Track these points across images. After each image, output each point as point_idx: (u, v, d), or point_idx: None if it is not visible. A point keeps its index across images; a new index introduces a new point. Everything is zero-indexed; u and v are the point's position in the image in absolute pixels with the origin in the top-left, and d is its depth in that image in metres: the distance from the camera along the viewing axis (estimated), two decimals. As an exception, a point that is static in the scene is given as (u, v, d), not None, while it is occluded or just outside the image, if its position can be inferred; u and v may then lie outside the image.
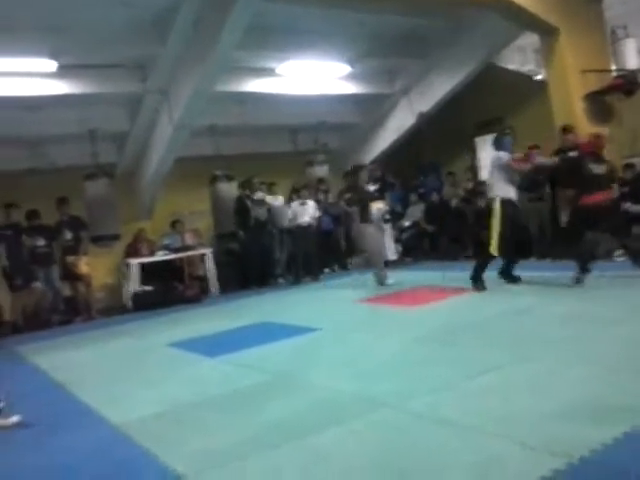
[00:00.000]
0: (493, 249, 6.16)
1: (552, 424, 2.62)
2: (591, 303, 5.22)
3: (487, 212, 6.42)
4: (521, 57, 10.66)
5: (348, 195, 9.61)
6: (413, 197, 11.20)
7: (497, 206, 6.21)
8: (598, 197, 6.01)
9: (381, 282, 7.83)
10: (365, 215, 8.01)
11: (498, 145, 6.52)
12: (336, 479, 2.40)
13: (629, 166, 8.05)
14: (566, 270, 6.14)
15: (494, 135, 6.79)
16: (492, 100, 10.61)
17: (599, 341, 3.92)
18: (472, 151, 11.65)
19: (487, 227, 6.31)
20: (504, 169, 6.29)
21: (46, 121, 8.99)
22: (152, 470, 2.75)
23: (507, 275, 6.52)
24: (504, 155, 6.34)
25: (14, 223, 8.57)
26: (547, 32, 8.54)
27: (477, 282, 6.38)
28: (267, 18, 7.92)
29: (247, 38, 7.64)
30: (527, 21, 8.41)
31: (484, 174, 11.17)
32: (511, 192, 6.32)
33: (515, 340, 4.25)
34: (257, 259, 9.81)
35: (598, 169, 6.21)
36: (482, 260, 6.42)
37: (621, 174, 8.18)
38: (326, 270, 10.45)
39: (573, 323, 4.52)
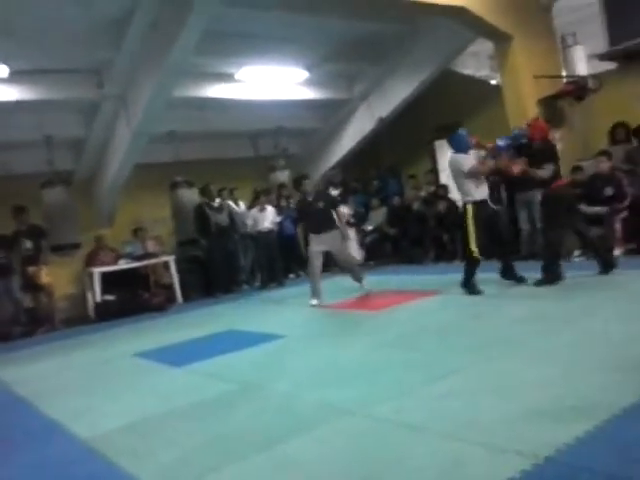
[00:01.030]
0: (474, 253, 6.10)
1: (516, 425, 2.69)
2: (553, 303, 5.38)
3: (459, 217, 6.42)
4: (476, 62, 10.91)
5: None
6: (375, 201, 11.34)
7: (469, 210, 6.12)
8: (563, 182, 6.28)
9: (359, 280, 7.47)
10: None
11: (454, 145, 6.40)
12: (306, 486, 2.44)
13: (578, 168, 8.30)
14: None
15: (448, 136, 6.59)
16: (450, 104, 10.83)
17: (558, 341, 4.06)
18: (432, 155, 11.85)
19: (463, 231, 6.24)
20: (469, 173, 6.16)
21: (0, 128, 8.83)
22: (120, 484, 2.76)
23: (510, 276, 6.39)
24: (464, 159, 6.21)
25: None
26: (501, 39, 8.78)
27: (469, 287, 6.24)
28: (224, 23, 7.93)
29: (205, 43, 7.64)
30: (481, 28, 8.63)
31: (444, 177, 11.44)
32: (479, 193, 6.20)
33: (476, 342, 4.36)
34: (221, 266, 9.80)
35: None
36: (468, 265, 6.30)
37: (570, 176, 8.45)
38: (291, 275, 10.49)
39: (533, 324, 4.67)
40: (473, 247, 6.09)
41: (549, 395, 3.03)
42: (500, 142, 6.36)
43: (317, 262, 7.29)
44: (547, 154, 6.20)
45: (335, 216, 7.43)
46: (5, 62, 7.55)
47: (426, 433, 2.80)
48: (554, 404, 2.90)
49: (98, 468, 3.01)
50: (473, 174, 6.13)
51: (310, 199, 7.52)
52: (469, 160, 6.26)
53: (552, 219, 6.21)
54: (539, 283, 6.01)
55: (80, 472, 3.01)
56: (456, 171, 6.24)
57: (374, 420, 3.10)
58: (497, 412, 2.89)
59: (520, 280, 6.30)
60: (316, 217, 7.36)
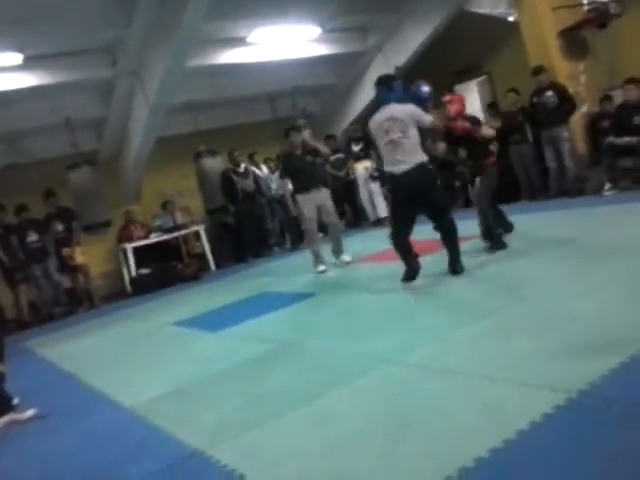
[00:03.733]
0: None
1: (550, 361, 2.71)
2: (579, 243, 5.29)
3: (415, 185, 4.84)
4: (491, 0, 10.54)
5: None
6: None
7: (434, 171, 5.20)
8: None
9: (340, 251, 6.94)
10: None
11: (393, 96, 5.05)
12: (347, 437, 2.48)
13: (607, 98, 8.06)
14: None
15: (382, 80, 5.28)
16: (467, 47, 10.53)
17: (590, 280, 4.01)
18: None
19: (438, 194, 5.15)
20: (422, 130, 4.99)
21: (20, 115, 8.88)
22: (169, 447, 2.84)
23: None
24: (417, 111, 4.95)
25: (4, 223, 8.57)
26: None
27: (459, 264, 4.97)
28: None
29: (214, 9, 7.51)
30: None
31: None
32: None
33: (505, 284, 4.34)
34: (250, 230, 9.86)
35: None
36: (454, 230, 5.06)
37: (599, 108, 8.23)
38: (320, 234, 10.49)
39: (562, 263, 4.60)
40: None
41: (582, 330, 3.02)
42: (425, 87, 5.40)
43: (313, 224, 6.76)
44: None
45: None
46: (19, 50, 7.56)
47: (463, 376, 2.83)
48: (587, 339, 2.89)
49: (144, 433, 3.12)
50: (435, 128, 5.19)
51: (298, 152, 6.78)
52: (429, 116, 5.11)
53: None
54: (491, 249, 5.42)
55: (127, 438, 3.12)
56: (415, 118, 4.89)
57: (411, 367, 3.14)
58: (532, 351, 2.90)
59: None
60: (304, 172, 6.63)
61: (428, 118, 4.95)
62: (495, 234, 5.48)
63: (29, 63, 7.91)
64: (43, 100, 8.94)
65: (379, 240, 7.42)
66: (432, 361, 3.12)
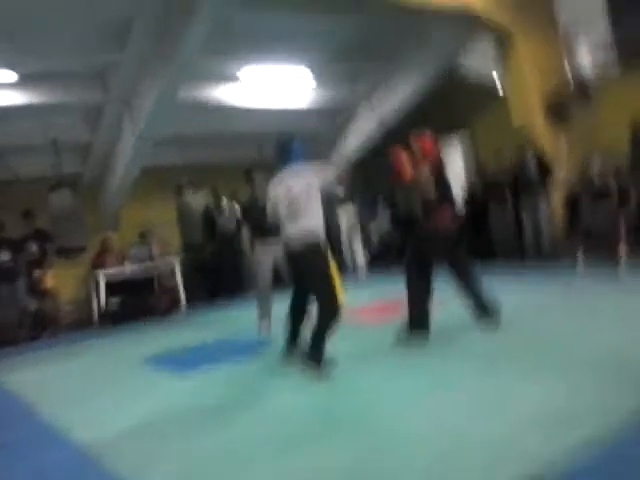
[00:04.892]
0: (341, 301, 4.35)
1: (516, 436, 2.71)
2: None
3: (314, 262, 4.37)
4: (481, 60, 10.83)
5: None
6: (379, 202, 11.28)
7: (328, 255, 4.44)
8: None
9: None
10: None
11: (294, 156, 4.60)
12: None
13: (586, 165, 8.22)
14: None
15: (279, 143, 4.74)
16: (454, 105, 10.78)
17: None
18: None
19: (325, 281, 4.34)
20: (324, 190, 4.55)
21: (6, 132, 8.88)
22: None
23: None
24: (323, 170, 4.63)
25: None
26: (503, 36, 8.74)
27: (319, 363, 4.24)
28: (229, 22, 7.89)
29: (208, 43, 7.62)
30: (482, 25, 8.59)
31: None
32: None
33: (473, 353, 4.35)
34: (227, 270, 9.82)
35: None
36: (326, 321, 4.27)
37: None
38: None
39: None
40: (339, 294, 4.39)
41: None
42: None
43: (267, 274, 5.99)
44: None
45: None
46: (13, 68, 7.59)
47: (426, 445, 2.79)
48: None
49: (98, 477, 3.02)
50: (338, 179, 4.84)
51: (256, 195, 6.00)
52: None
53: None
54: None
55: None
56: (319, 181, 4.47)
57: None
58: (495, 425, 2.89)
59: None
60: (263, 219, 5.12)
61: (330, 173, 4.65)
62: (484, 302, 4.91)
63: (22, 82, 7.98)
64: (31, 119, 8.97)
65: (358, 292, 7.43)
66: (396, 423, 3.10)
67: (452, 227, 4.97)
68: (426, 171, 4.92)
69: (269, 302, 6.09)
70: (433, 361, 4.25)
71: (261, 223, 5.60)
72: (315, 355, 4.23)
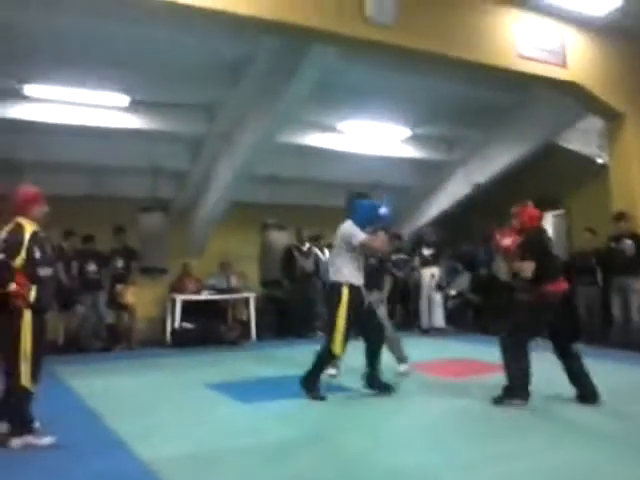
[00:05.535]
0: (337, 347, 5.05)
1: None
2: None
3: (332, 299, 5.12)
4: (583, 138, 10.60)
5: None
6: (459, 266, 11.09)
7: (345, 294, 5.03)
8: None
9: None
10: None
11: (353, 213, 5.30)
12: None
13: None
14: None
15: (352, 196, 5.48)
16: (549, 179, 10.54)
17: None
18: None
19: (332, 318, 5.09)
20: (355, 249, 5.13)
21: (111, 152, 9.38)
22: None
23: (373, 382, 5.26)
24: (357, 230, 5.14)
25: (71, 248, 8.84)
26: (613, 117, 8.52)
27: (312, 389, 5.10)
28: (334, 75, 8.11)
29: (312, 93, 7.83)
30: (592, 105, 8.41)
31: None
32: (360, 279, 5.18)
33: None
34: (300, 309, 9.84)
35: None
36: (321, 360, 5.18)
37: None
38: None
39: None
40: (337, 338, 5.01)
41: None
42: (384, 209, 5.35)
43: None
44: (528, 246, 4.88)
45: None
46: (127, 93, 8.05)
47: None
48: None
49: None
50: (366, 247, 5.15)
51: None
52: (363, 235, 5.15)
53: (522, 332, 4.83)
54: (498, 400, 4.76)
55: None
56: (345, 239, 5.17)
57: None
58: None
59: (386, 389, 5.22)
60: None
61: (359, 237, 5.08)
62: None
63: (133, 106, 8.40)
64: (135, 142, 9.42)
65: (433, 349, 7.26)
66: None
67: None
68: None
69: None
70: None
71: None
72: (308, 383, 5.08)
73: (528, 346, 4.74)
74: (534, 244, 4.86)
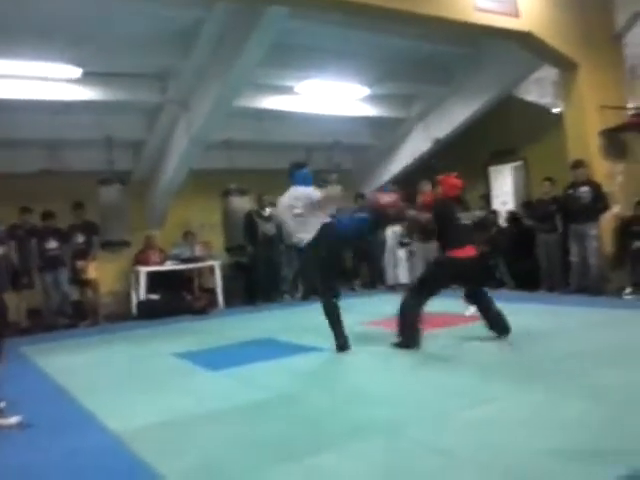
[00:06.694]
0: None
1: (548, 462, 2.61)
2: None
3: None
4: (539, 89, 10.70)
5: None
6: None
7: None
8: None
9: None
10: None
11: (298, 180, 5.74)
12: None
13: (640, 203, 8.05)
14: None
15: (293, 166, 5.90)
16: (507, 130, 10.66)
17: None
18: (486, 179, 11.70)
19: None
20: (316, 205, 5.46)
21: (65, 125, 9.12)
22: (149, 480, 2.75)
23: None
24: (312, 190, 5.56)
25: (28, 226, 8.64)
26: (567, 67, 8.58)
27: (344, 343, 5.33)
28: (288, 36, 8.00)
29: (267, 55, 7.73)
30: (547, 55, 8.46)
31: (497, 203, 11.25)
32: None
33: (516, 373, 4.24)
34: (264, 274, 9.84)
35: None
36: (330, 315, 5.41)
37: (632, 211, 8.21)
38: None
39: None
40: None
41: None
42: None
43: None
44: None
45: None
46: (80, 64, 7.80)
47: (457, 459, 2.72)
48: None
49: (126, 462, 3.02)
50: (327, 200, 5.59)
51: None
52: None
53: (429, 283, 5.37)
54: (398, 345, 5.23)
55: (108, 464, 3.03)
56: (309, 199, 5.47)
57: (408, 440, 3.02)
58: (528, 445, 2.80)
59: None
60: None
61: (317, 193, 5.52)
62: None
63: (86, 78, 8.16)
64: (89, 114, 9.19)
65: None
66: (431, 439, 3.02)
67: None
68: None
69: None
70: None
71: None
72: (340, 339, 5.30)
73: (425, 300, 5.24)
74: (438, 213, 5.42)
